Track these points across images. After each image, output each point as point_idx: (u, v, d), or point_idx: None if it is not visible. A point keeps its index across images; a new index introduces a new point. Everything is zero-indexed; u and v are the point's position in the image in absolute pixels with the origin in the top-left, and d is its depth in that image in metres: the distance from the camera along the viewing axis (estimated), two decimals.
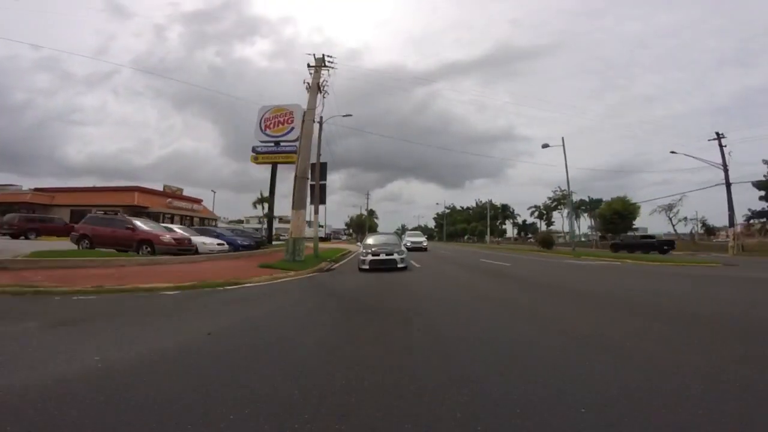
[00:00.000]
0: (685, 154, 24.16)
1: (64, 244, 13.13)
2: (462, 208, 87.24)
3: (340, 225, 78.82)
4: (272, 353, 2.97)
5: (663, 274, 10.27)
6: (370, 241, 12.82)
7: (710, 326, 3.90)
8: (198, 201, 37.29)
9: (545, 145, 21.48)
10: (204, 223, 33.55)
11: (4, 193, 31.54)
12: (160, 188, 32.20)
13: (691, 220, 44.18)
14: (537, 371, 2.46)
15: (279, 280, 8.27)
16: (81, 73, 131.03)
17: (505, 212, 70.97)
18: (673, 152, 41.90)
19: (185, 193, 35.95)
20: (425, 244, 25.99)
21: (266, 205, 27.77)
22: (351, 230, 75.97)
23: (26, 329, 3.57)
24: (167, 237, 11.75)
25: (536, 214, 69.26)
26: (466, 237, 74.90)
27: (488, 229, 57.61)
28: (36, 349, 2.91)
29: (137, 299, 5.56)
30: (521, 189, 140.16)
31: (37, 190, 30.84)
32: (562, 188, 55.46)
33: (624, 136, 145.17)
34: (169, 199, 30.25)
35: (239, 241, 16.55)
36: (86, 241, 11.38)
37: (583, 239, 48.61)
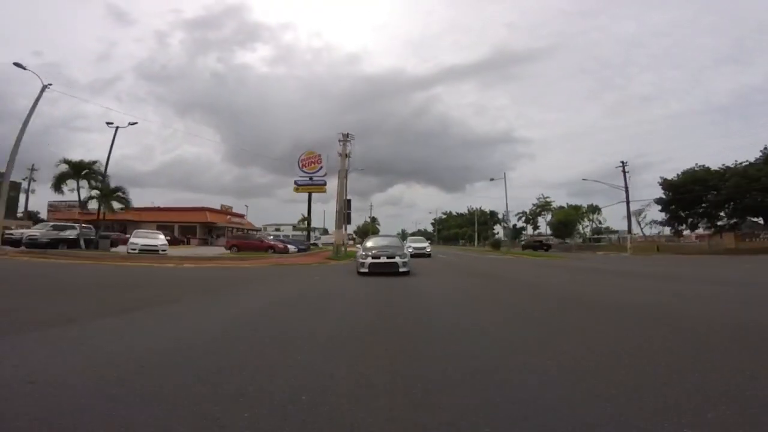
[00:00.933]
0: (595, 180, 33.96)
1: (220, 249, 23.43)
2: (457, 214, 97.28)
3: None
4: (352, 288, 12.71)
5: (527, 262, 20.02)
6: (370, 243, 12.91)
7: (510, 282, 13.73)
8: (242, 216, 47.57)
9: (492, 179, 31.54)
10: (246, 232, 43.73)
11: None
12: (217, 206, 42.56)
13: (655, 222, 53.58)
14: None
15: (335, 263, 18.08)
16: (83, 79, 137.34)
17: (493, 218, 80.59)
18: (584, 179, 51.64)
19: (228, 205, 46.27)
20: (429, 249, 25.35)
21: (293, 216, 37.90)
22: (354, 236, 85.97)
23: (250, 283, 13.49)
24: (280, 245, 21.93)
25: (524, 219, 79.07)
26: (461, 241, 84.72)
27: (476, 234, 67.29)
28: (257, 288, 12.79)
29: (291, 268, 15.40)
30: (522, 191, 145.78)
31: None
32: (546, 195, 65.12)
33: (624, 136, 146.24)
34: (228, 216, 40.47)
35: (300, 246, 26.70)
36: (235, 248, 21.35)
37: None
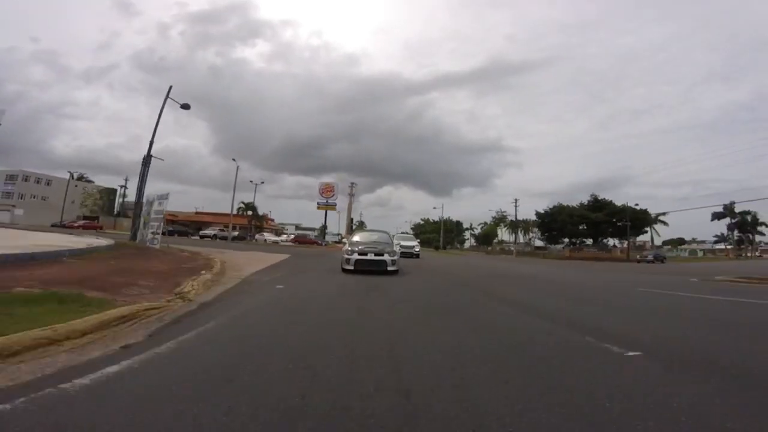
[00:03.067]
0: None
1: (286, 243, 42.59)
2: (433, 221, 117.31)
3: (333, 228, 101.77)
4: None
5: (445, 257, 39.71)
6: (357, 237, 11.85)
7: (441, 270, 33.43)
8: (272, 219, 66.65)
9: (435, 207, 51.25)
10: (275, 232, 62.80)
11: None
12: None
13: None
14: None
15: None
16: (78, 67, 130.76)
17: (459, 227, 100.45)
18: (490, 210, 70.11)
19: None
20: (417, 249, 23.70)
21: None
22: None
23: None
24: (319, 241, 41.33)
25: (487, 228, 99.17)
26: (434, 246, 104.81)
27: (441, 240, 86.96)
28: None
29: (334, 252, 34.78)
30: (508, 199, 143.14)
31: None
32: (503, 210, 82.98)
33: (609, 149, 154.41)
34: (269, 220, 59.48)
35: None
36: (297, 243, 40.43)
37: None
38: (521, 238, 66.55)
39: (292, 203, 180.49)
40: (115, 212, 62.35)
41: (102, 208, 58.41)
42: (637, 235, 50.53)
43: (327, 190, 52.40)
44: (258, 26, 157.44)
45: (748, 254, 53.11)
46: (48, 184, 49.97)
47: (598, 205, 44.46)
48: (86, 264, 7.23)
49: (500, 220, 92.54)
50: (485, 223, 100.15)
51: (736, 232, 53.00)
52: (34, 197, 46.64)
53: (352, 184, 44.73)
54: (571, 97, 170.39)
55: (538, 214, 51.51)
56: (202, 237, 37.19)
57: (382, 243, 10.77)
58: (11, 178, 45.45)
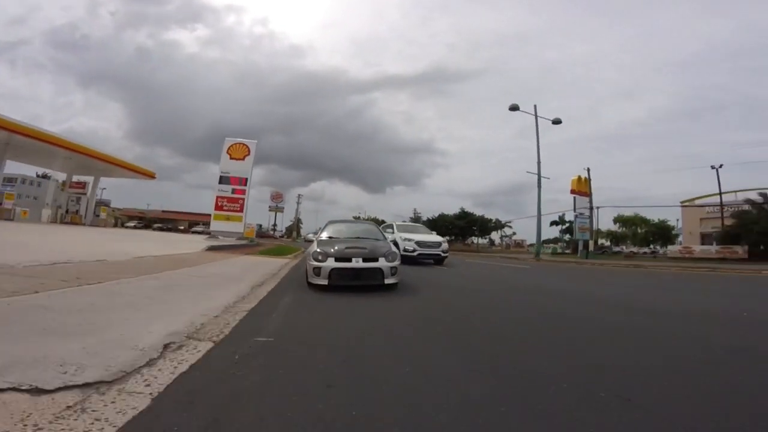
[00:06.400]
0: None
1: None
2: (362, 219, 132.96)
3: (262, 220, 78.77)
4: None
5: None
6: (329, 233, 7.14)
7: None
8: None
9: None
10: None
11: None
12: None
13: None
14: None
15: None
16: None
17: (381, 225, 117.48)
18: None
19: None
20: (446, 248, 13.35)
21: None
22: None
23: None
24: (278, 236, 53.71)
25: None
26: None
27: None
28: None
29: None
30: (435, 198, 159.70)
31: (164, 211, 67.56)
32: (418, 212, 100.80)
33: (527, 156, 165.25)
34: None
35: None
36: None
37: None
38: None
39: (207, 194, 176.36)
40: None
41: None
42: (484, 237, 70.90)
43: (277, 197, 64.71)
44: (200, 10, 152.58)
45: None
46: (39, 185, 53.06)
47: (462, 215, 63.43)
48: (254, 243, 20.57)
49: (416, 220, 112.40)
50: (404, 221, 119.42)
51: (566, 236, 76.36)
52: (28, 197, 50.16)
53: (299, 195, 57.68)
54: (497, 106, 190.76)
55: (427, 219, 70.00)
56: None
57: (370, 239, 6.82)
58: (10, 180, 48.61)
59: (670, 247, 33.93)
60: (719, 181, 32.28)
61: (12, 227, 16.16)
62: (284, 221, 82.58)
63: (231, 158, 21.42)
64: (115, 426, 1.43)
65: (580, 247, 33.19)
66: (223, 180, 20.96)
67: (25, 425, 1.37)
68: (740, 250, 27.01)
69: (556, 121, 22.42)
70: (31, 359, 1.93)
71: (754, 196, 28.55)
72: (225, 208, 20.64)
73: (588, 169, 34.36)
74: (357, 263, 5.67)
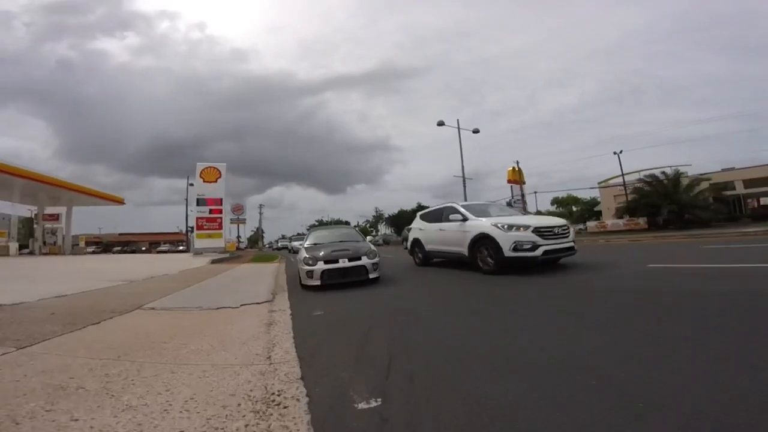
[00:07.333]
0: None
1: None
2: (324, 221, 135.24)
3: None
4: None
5: None
6: (313, 240, 8.33)
7: None
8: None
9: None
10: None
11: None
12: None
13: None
14: None
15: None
16: None
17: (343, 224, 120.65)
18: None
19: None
20: (573, 236, 7.26)
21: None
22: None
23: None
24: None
25: (368, 225, 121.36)
26: None
27: None
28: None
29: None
30: (395, 194, 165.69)
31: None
32: (380, 208, 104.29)
33: (476, 147, 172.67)
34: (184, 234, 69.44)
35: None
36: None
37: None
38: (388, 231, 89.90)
39: (163, 210, 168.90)
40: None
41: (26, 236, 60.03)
42: None
43: (237, 209, 65.85)
44: (129, 17, 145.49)
45: None
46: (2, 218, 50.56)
47: (419, 209, 68.70)
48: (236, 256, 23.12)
49: (378, 218, 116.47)
50: (367, 221, 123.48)
51: None
52: None
53: (260, 205, 59.45)
54: (445, 100, 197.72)
55: (389, 216, 74.22)
56: None
57: (351, 241, 7.90)
58: None
59: (589, 223, 39.88)
60: (621, 164, 39.00)
61: (15, 263, 17.89)
62: (246, 232, 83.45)
63: (204, 181, 23.88)
64: (271, 310, 4.96)
65: None
66: (200, 202, 23.42)
67: (230, 315, 4.69)
68: (642, 222, 33.17)
69: (476, 131, 26.79)
70: (225, 300, 5.39)
71: (657, 173, 34.40)
72: (205, 227, 23.15)
73: (517, 162, 39.98)
74: (344, 263, 6.64)
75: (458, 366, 2.38)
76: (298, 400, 1.97)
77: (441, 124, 25.80)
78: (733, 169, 39.98)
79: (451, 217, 8.32)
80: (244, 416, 1.77)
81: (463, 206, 8.49)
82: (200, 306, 4.88)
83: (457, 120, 29.33)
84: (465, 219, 7.85)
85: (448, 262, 9.21)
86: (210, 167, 24.31)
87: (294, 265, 9.75)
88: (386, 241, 51.37)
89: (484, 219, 7.63)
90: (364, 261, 6.79)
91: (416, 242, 9.88)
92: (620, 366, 2.20)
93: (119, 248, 53.92)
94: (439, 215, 9.08)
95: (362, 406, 1.89)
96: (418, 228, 9.89)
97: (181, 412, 1.83)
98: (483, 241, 7.10)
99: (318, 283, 6.51)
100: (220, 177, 24.25)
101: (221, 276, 9.44)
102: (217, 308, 4.75)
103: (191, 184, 47.11)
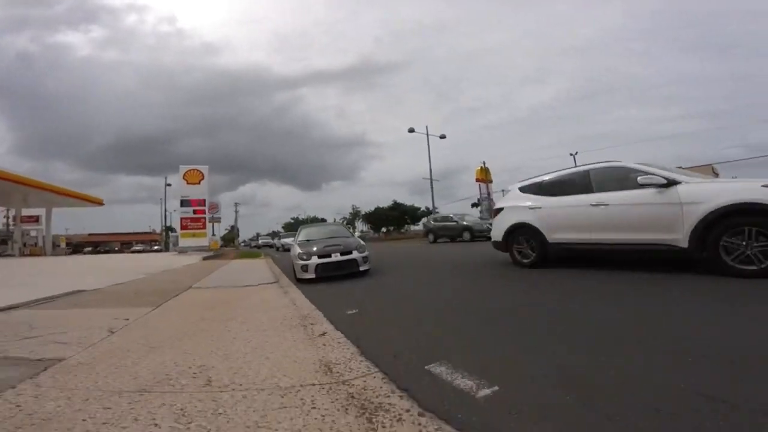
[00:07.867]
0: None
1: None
2: (300, 219, 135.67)
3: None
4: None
5: None
6: (305, 237, 9.08)
7: None
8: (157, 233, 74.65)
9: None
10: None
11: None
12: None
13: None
14: None
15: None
16: None
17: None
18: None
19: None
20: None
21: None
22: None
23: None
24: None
25: (345, 222, 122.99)
26: None
27: None
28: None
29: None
30: (373, 189, 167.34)
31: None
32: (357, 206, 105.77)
33: (453, 144, 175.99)
34: (158, 234, 68.68)
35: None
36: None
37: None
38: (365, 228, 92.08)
39: (131, 208, 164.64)
40: None
41: None
42: (415, 223, 79.96)
43: (213, 207, 66.18)
44: (95, 10, 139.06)
45: None
46: None
47: (394, 206, 71.22)
48: (221, 254, 24.59)
49: (355, 215, 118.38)
50: (344, 218, 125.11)
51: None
52: None
53: (237, 203, 60.18)
54: (423, 96, 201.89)
55: (365, 213, 76.57)
56: None
57: (341, 237, 8.62)
58: None
59: None
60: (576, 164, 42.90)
61: (15, 263, 18.84)
62: (220, 230, 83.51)
63: (188, 183, 25.29)
64: (281, 286, 7.19)
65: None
66: (184, 203, 24.84)
67: (255, 289, 7.02)
68: None
69: (442, 137, 29.40)
70: (245, 281, 7.55)
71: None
72: (189, 227, 24.60)
73: (484, 161, 43.04)
74: (336, 257, 7.24)
75: (401, 303, 4.77)
76: (318, 316, 4.24)
77: (411, 131, 28.13)
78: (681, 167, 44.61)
79: (622, 183, 5.15)
80: (293, 325, 4.00)
81: (642, 166, 5.14)
82: (231, 285, 7.00)
83: (426, 126, 31.82)
84: (670, 182, 4.68)
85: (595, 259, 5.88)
86: (193, 169, 25.70)
87: (280, 260, 11.71)
88: (362, 238, 53.60)
89: (719, 181, 5.19)
90: (355, 255, 7.45)
91: (522, 229, 6.41)
92: None
93: (90, 249, 53.10)
94: (581, 183, 5.73)
95: (349, 312, 4.22)
96: (526, 206, 6.38)
97: (264, 323, 4.05)
98: (739, 217, 4.01)
99: (313, 276, 7.08)
100: (203, 179, 25.70)
101: (224, 268, 11.39)
102: (243, 286, 6.89)
103: (169, 185, 47.57)
